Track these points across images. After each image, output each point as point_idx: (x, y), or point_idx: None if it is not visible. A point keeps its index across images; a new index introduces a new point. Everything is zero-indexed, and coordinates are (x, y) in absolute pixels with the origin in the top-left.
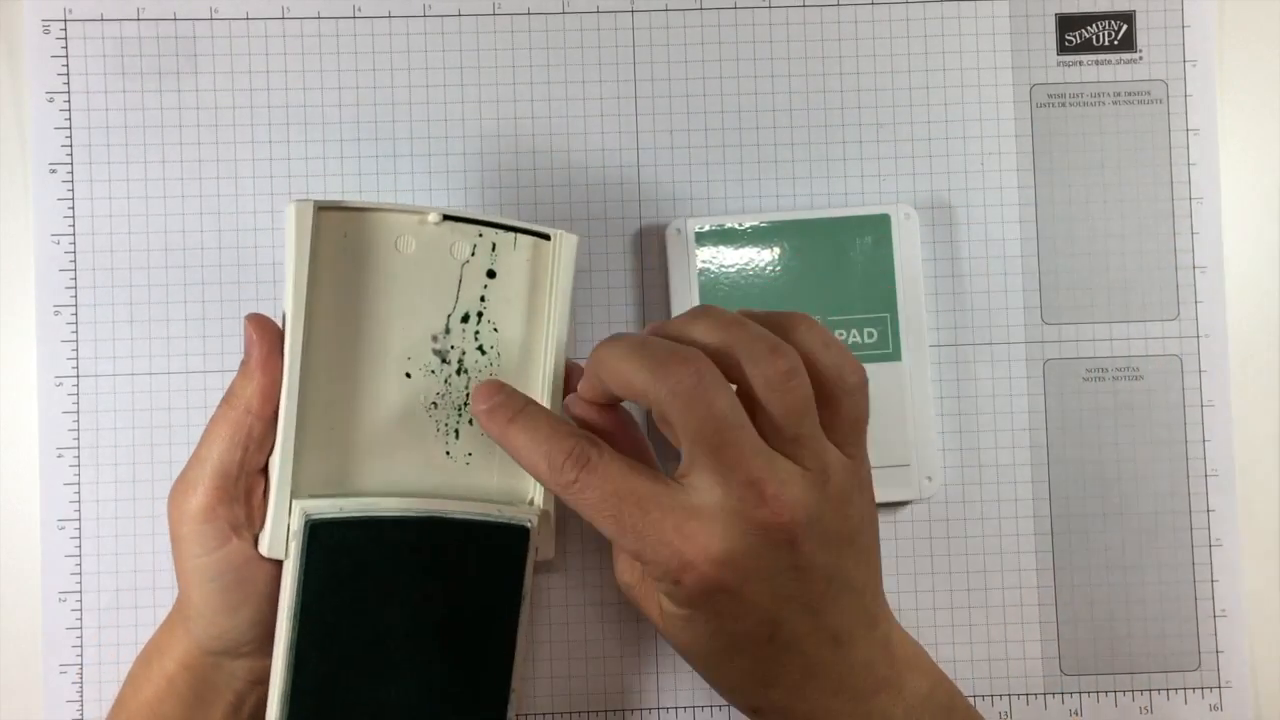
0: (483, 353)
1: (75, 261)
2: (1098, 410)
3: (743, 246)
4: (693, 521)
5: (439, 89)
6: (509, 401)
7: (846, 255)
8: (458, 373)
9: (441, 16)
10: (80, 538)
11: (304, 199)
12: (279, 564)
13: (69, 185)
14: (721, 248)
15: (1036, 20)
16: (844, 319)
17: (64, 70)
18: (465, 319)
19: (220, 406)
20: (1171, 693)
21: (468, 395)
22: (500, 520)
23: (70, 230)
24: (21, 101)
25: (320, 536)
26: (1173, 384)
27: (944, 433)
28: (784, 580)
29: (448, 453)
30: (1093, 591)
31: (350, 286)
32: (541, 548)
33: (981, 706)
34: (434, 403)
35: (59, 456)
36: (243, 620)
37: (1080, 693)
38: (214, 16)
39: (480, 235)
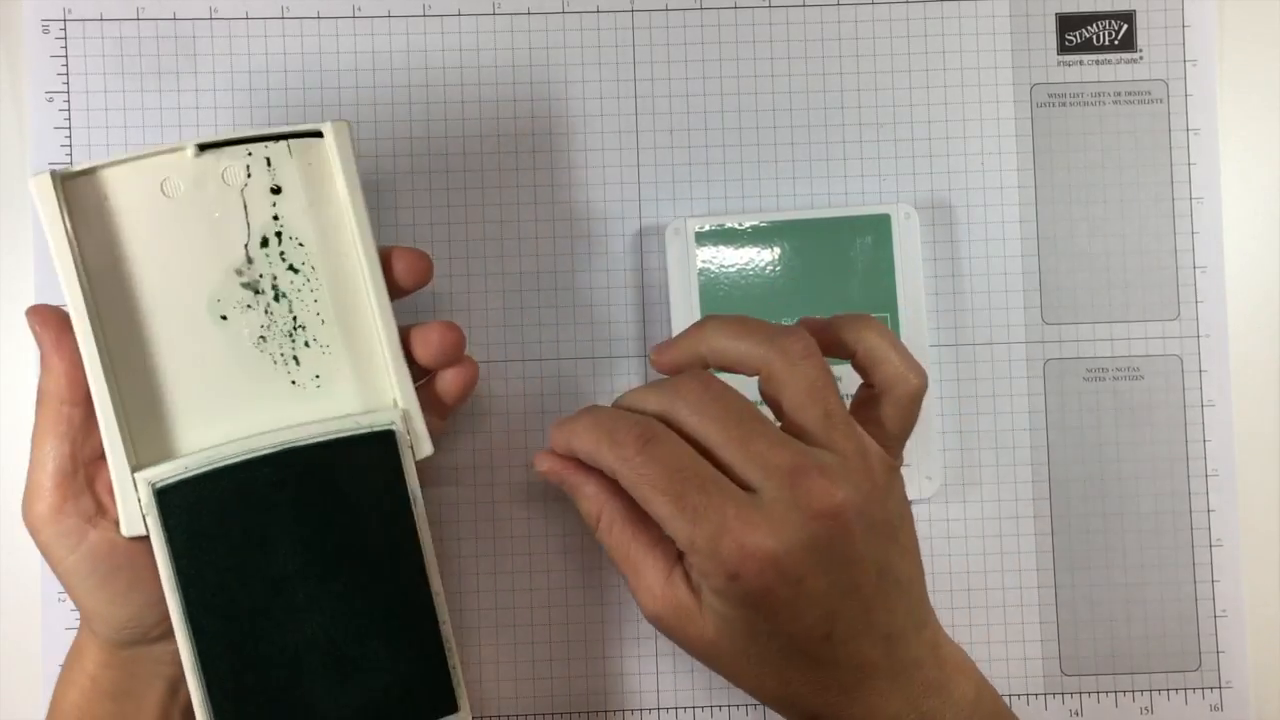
0: (295, 271)
1: None
2: (1098, 410)
3: (743, 246)
4: (755, 511)
5: (438, 89)
6: (567, 416)
7: (846, 255)
8: (275, 299)
9: (441, 16)
10: None
11: (42, 172)
12: (148, 541)
13: None
14: (721, 248)
15: (1036, 20)
16: None
17: (64, 70)
18: (265, 243)
19: (35, 408)
20: (1171, 693)
21: (295, 320)
22: (359, 431)
23: None
24: (21, 101)
25: (173, 501)
26: (1173, 384)
27: (944, 433)
28: (839, 573)
29: (293, 382)
30: (1093, 591)
31: (129, 246)
32: (417, 446)
33: None
34: (261, 336)
35: None
36: (135, 606)
37: (1080, 693)
38: (213, 16)
39: (250, 154)
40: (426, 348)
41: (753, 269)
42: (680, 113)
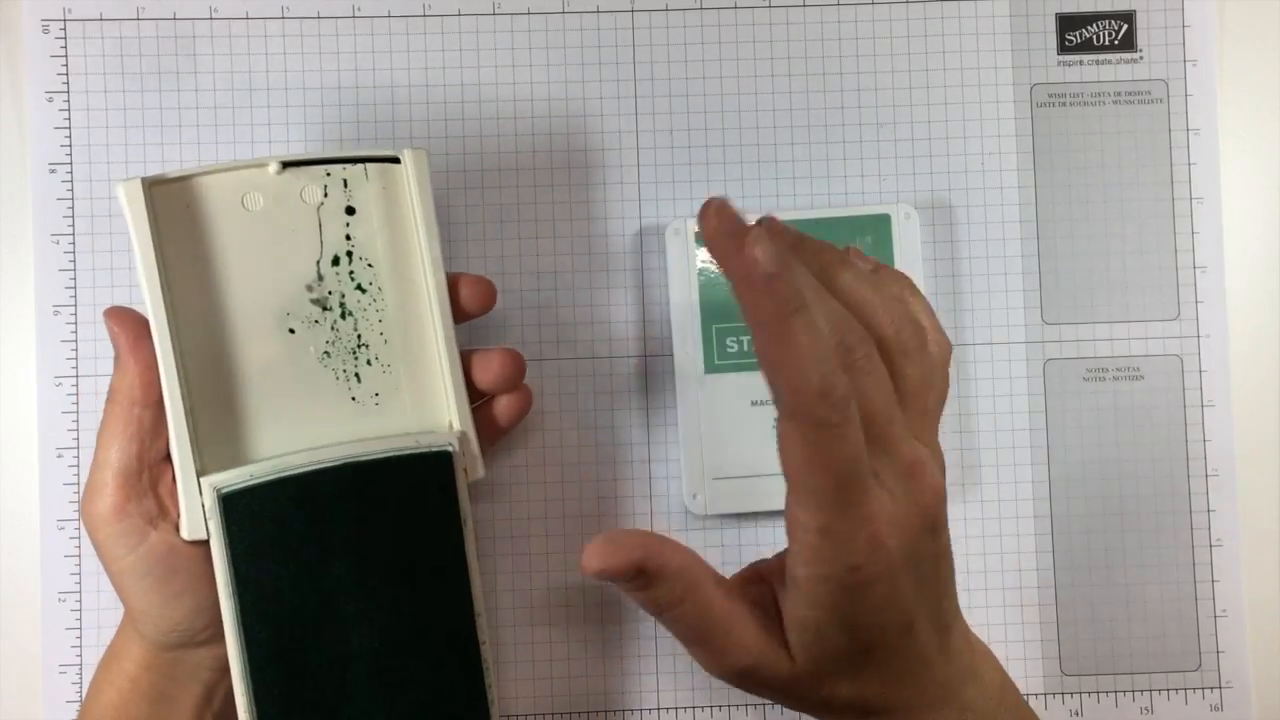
0: (363, 291)
1: (75, 261)
2: (1098, 410)
3: None
4: (890, 505)
5: (439, 89)
6: (792, 286)
7: None
8: (342, 317)
9: (441, 16)
10: (80, 538)
11: (131, 178)
12: (207, 545)
13: (69, 185)
14: None
15: (1036, 20)
16: None
17: (63, 70)
18: (336, 261)
19: (105, 406)
20: (1171, 693)
21: (359, 338)
22: (418, 450)
23: (70, 230)
24: (21, 101)
25: (236, 507)
26: (1173, 384)
27: (944, 433)
28: (926, 568)
29: (353, 398)
30: (1093, 591)
31: (207, 255)
32: (470, 468)
33: None
34: (326, 352)
35: (59, 456)
36: (186, 609)
37: (1080, 693)
38: (214, 16)
39: (329, 174)
40: (487, 373)
41: None
42: (680, 113)
